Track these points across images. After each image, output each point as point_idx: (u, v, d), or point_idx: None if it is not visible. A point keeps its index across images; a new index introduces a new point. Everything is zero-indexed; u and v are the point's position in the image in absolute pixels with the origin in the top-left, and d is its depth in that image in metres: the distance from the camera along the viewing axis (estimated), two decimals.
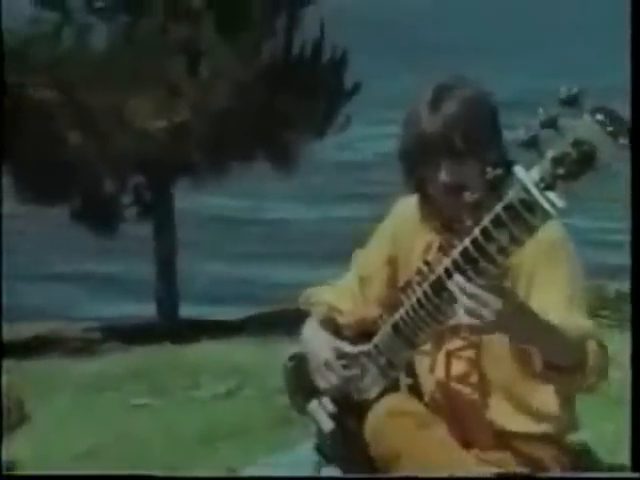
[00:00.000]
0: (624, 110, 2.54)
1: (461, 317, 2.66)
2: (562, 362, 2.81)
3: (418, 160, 2.97)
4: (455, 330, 3.07)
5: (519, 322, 2.72)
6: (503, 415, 3.11)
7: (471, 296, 2.65)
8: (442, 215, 3.01)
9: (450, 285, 2.73)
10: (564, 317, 2.85)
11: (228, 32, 7.71)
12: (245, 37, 7.77)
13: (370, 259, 3.29)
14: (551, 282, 2.95)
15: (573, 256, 3.01)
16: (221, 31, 7.71)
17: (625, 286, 6.37)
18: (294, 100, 8.00)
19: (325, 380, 3.22)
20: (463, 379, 3.10)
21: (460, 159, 2.92)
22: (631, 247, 2.75)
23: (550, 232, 2.91)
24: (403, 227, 3.21)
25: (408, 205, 3.22)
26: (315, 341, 3.25)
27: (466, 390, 3.10)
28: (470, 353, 3.08)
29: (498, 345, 3.05)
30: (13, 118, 7.79)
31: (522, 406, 3.11)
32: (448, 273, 2.79)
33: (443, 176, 2.92)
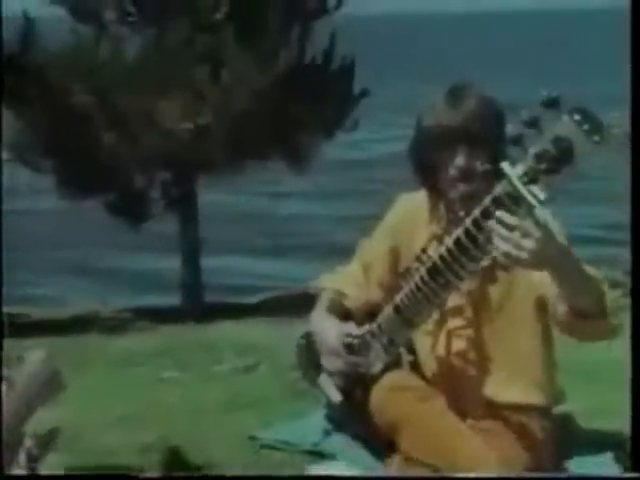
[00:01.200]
0: (624, 116, 2.54)
1: (500, 247, 2.53)
2: (586, 306, 2.74)
3: (434, 149, 2.98)
4: (457, 311, 3.07)
5: (555, 255, 2.63)
6: (497, 388, 3.11)
7: (512, 228, 2.56)
8: (445, 206, 3.02)
9: (488, 225, 2.62)
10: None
11: (247, 42, 7.70)
12: (262, 47, 7.76)
13: (373, 248, 3.31)
14: None
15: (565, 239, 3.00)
16: (241, 41, 7.70)
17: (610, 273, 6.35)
18: (306, 104, 8.00)
19: (332, 365, 3.24)
20: (462, 356, 3.10)
21: (475, 147, 2.93)
22: (631, 245, 2.72)
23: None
24: (404, 220, 3.23)
25: (409, 200, 3.23)
26: (322, 328, 3.27)
27: (465, 366, 3.11)
28: (470, 332, 3.09)
29: (495, 327, 3.05)
30: (55, 120, 7.82)
31: (514, 380, 3.11)
32: (443, 260, 2.80)
33: (459, 160, 2.93)
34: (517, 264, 2.57)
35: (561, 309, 2.79)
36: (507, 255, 2.52)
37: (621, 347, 3.66)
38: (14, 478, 2.31)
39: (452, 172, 2.94)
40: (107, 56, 7.86)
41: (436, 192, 3.07)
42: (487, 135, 2.90)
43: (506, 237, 2.51)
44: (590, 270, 2.77)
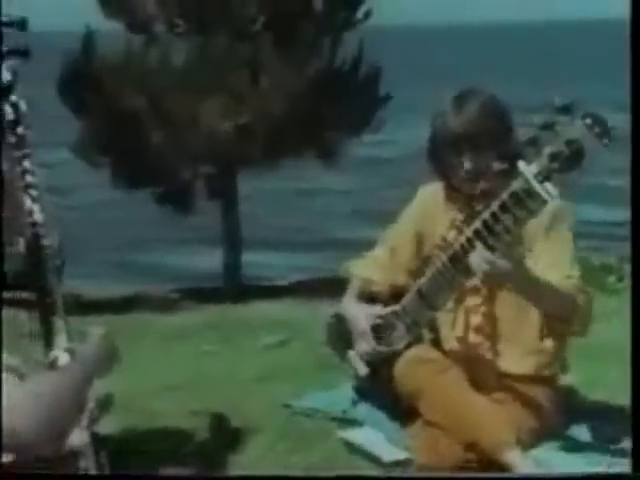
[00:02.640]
0: (625, 116, 2.55)
1: (479, 277, 2.72)
2: (557, 312, 2.83)
3: (446, 152, 2.99)
4: (474, 290, 3.09)
5: (523, 282, 2.75)
6: (509, 361, 3.12)
7: (488, 262, 2.67)
8: (462, 197, 3.03)
9: (470, 256, 2.76)
10: (560, 275, 2.88)
11: (283, 50, 7.70)
12: (297, 54, 7.76)
13: (398, 234, 3.31)
14: (549, 249, 2.96)
15: (567, 229, 3.03)
16: (277, 49, 7.70)
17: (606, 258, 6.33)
18: (336, 106, 7.99)
19: (361, 348, 3.26)
20: (479, 330, 3.12)
21: (480, 151, 2.94)
22: (631, 242, 2.71)
23: (547, 212, 2.93)
24: (427, 208, 3.24)
25: (431, 190, 3.24)
26: (353, 314, 3.30)
27: (481, 340, 3.12)
28: (485, 309, 3.10)
29: (508, 303, 3.07)
30: (111, 121, 7.86)
31: (524, 353, 3.12)
32: (464, 248, 2.82)
33: (466, 164, 2.94)
34: (487, 280, 2.78)
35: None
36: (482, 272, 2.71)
37: (620, 328, 3.65)
38: (14, 478, 2.23)
39: (462, 174, 2.96)
40: (156, 63, 7.88)
41: (453, 185, 3.08)
42: (490, 136, 2.91)
43: (483, 259, 2.68)
44: (567, 282, 2.83)
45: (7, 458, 2.11)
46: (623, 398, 3.36)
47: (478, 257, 2.68)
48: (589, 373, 3.52)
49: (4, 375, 2.18)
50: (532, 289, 2.80)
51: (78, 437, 2.28)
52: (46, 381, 2.25)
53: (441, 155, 3.01)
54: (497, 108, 3.01)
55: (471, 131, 2.92)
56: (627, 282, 5.66)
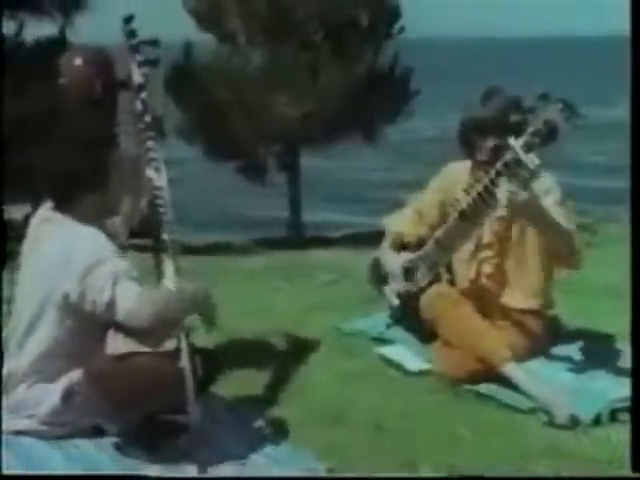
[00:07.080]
0: (624, 112, 2.54)
1: (503, 201, 2.66)
2: (559, 247, 2.83)
3: (474, 134, 3.00)
4: (488, 245, 3.08)
5: (537, 214, 2.72)
6: (508, 298, 3.11)
7: (510, 191, 2.65)
8: (482, 172, 3.01)
9: (497, 192, 2.73)
10: (562, 218, 2.88)
11: (336, 56, 7.69)
12: (347, 59, 7.74)
13: (426, 200, 3.32)
14: (551, 204, 2.93)
15: (559, 195, 3.01)
16: (332, 55, 7.70)
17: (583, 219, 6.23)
18: (378, 100, 7.97)
19: (396, 286, 3.27)
20: (489, 277, 3.11)
21: (500, 133, 2.94)
22: (631, 239, 2.65)
23: (544, 183, 2.91)
24: (450, 181, 3.23)
25: (455, 166, 3.24)
26: (387, 260, 3.32)
27: (489, 284, 3.11)
28: (496, 260, 3.10)
29: (514, 257, 3.06)
30: (203, 109, 7.90)
31: (521, 293, 3.11)
32: (470, 207, 2.83)
33: (490, 142, 2.95)
34: (510, 210, 2.68)
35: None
36: (505, 201, 2.63)
37: (594, 273, 3.62)
38: (13, 478, 2.17)
39: (486, 150, 2.96)
40: (239, 66, 7.89)
41: (475, 161, 3.07)
42: (508, 125, 2.89)
43: (507, 192, 2.63)
44: (564, 225, 2.80)
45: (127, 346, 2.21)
46: (597, 325, 3.36)
47: (503, 191, 2.66)
48: (571, 306, 3.50)
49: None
50: (544, 222, 2.76)
51: (172, 344, 2.36)
52: (155, 290, 2.44)
53: (469, 137, 3.01)
54: (515, 104, 2.99)
55: (494, 119, 2.92)
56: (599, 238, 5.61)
